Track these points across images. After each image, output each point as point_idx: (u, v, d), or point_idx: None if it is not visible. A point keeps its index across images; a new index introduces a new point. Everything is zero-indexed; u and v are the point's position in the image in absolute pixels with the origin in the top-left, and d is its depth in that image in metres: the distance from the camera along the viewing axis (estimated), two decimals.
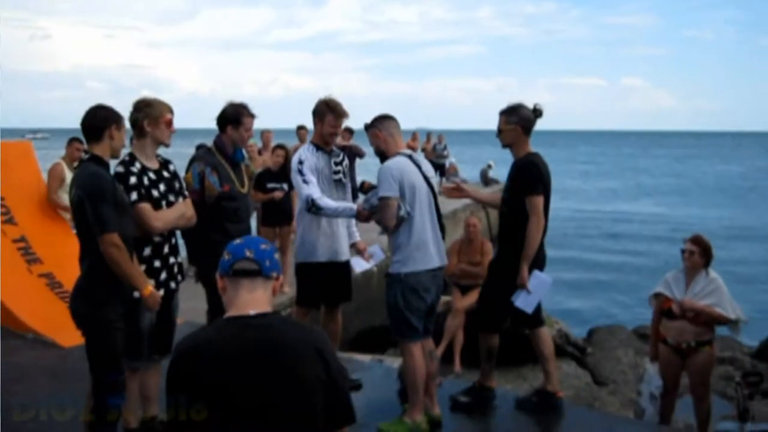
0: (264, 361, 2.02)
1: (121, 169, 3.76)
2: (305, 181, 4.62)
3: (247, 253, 2.13)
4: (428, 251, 4.24)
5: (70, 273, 3.65)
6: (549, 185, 4.58)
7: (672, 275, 5.37)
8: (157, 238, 3.84)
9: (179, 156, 4.23)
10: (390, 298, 4.28)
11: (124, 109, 3.72)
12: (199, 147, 5.23)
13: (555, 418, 4.83)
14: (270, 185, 8.02)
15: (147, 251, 3.82)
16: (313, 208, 4.56)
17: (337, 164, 4.87)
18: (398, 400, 4.70)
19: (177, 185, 4.00)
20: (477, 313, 4.91)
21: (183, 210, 3.94)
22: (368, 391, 5.11)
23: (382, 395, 5.00)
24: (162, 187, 3.87)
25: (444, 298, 6.75)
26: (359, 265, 5.13)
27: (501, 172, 4.72)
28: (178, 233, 4.15)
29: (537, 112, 4.59)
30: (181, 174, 4.18)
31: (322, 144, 4.82)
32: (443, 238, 4.45)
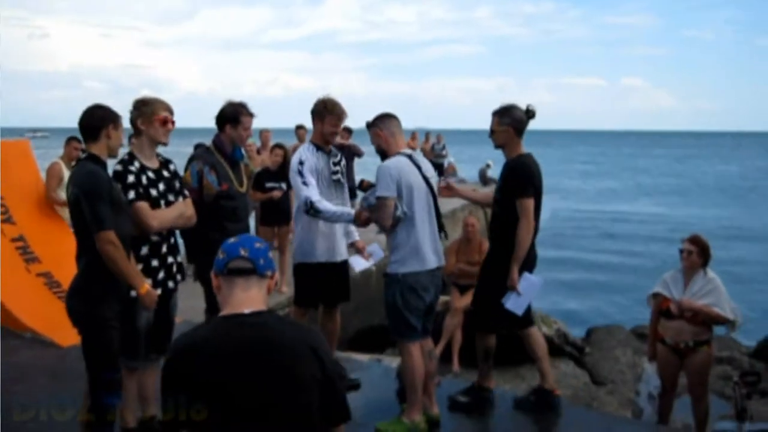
0: (259, 359, 2.03)
1: (119, 167, 3.78)
2: (304, 183, 4.60)
3: (242, 252, 2.14)
4: (426, 252, 4.24)
5: (68, 272, 3.66)
6: (540, 187, 4.59)
7: (670, 275, 5.37)
8: (154, 238, 3.83)
9: (178, 155, 4.23)
10: (388, 297, 4.28)
11: (124, 109, 3.74)
12: (198, 146, 5.23)
13: (553, 417, 4.83)
14: (268, 185, 8.02)
15: (144, 250, 3.82)
16: (311, 210, 4.54)
17: (335, 164, 4.86)
18: (397, 399, 4.70)
19: (177, 185, 4.00)
20: (472, 314, 4.91)
21: (182, 210, 3.94)
22: (367, 390, 5.12)
23: (380, 395, 5.00)
24: (161, 186, 3.87)
25: (442, 298, 6.75)
26: (359, 264, 5.12)
27: (499, 171, 4.75)
28: (178, 233, 4.15)
29: (530, 113, 4.59)
30: (180, 173, 4.19)
31: (322, 144, 4.82)
32: (445, 237, 4.45)
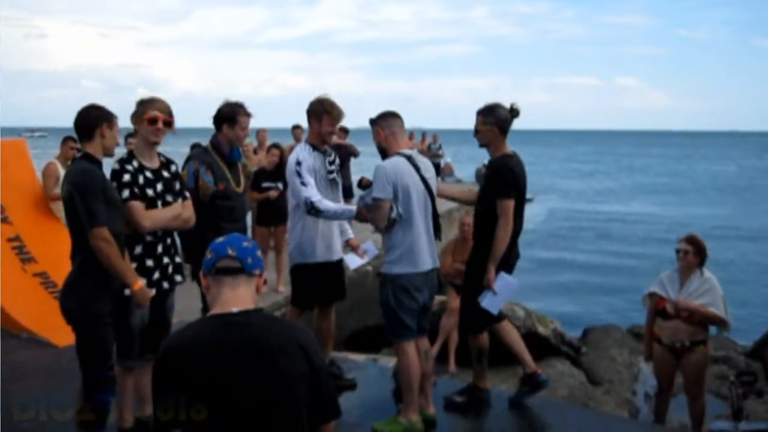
0: (248, 357, 2.04)
1: (116, 166, 3.80)
2: (303, 183, 4.59)
3: (229, 251, 2.15)
4: (420, 254, 4.24)
5: (64, 272, 3.66)
6: (524, 188, 4.60)
7: (667, 275, 5.38)
8: (148, 237, 3.83)
9: (175, 155, 4.23)
10: (382, 297, 4.30)
11: (120, 108, 3.75)
12: (194, 146, 5.23)
13: (550, 417, 4.84)
14: (265, 184, 8.01)
15: (138, 249, 3.82)
16: (312, 210, 4.53)
17: (330, 164, 4.87)
18: (393, 399, 4.70)
19: (177, 186, 3.99)
20: (462, 315, 4.91)
21: (178, 211, 3.93)
22: (363, 390, 5.12)
23: (376, 395, 5.01)
24: (159, 186, 3.86)
25: (439, 298, 6.75)
26: (353, 262, 5.12)
27: None
28: (176, 233, 4.14)
29: (514, 112, 4.60)
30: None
31: (319, 144, 4.81)
32: (439, 238, 4.45)
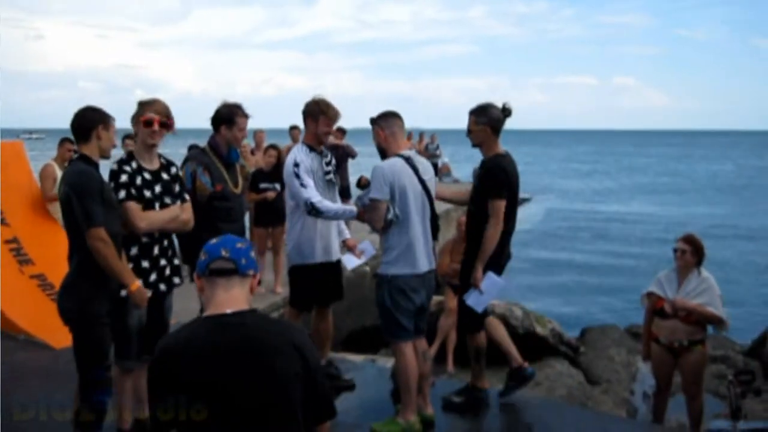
0: (243, 358, 2.04)
1: (115, 167, 3.81)
2: (303, 185, 4.58)
3: (223, 253, 2.15)
4: (417, 255, 4.24)
5: (62, 274, 3.66)
6: (516, 188, 4.60)
7: (664, 274, 5.38)
8: (144, 239, 3.83)
9: (172, 156, 4.23)
10: (379, 298, 4.30)
11: (117, 109, 3.76)
12: (192, 147, 5.22)
13: (548, 417, 4.84)
14: (262, 185, 8.01)
15: (134, 250, 3.82)
16: (313, 211, 4.53)
17: (327, 164, 4.87)
18: (391, 400, 4.70)
19: (176, 188, 3.99)
20: (459, 315, 4.92)
21: (176, 213, 3.92)
22: (361, 391, 5.11)
23: (374, 395, 5.00)
24: (157, 188, 3.86)
25: (436, 298, 6.75)
26: (351, 262, 5.12)
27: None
28: (174, 235, 4.14)
29: (506, 112, 4.60)
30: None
31: (316, 144, 4.80)
32: (436, 238, 4.45)
